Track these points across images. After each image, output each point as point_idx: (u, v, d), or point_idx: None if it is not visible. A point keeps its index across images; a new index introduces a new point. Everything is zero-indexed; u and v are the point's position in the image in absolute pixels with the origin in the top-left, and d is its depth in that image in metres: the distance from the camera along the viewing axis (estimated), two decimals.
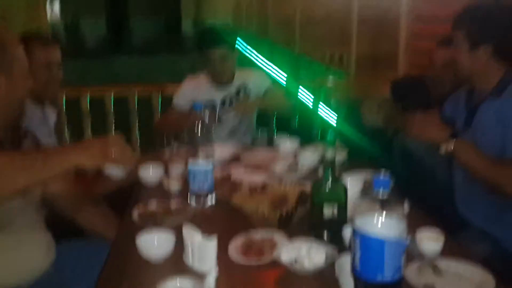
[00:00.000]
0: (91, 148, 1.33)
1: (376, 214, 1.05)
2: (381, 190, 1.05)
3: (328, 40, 6.19)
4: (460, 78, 1.94)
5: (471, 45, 1.77)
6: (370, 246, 1.00)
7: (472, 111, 1.87)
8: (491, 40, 1.74)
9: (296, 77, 6.72)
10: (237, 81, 2.80)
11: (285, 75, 5.93)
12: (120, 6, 22.47)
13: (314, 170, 2.09)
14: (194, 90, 2.81)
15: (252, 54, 2.81)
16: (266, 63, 8.41)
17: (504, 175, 1.65)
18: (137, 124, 3.65)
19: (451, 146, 1.73)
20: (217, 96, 2.79)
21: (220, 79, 2.76)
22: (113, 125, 3.62)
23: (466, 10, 1.81)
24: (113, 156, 1.33)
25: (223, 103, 2.79)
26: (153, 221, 1.61)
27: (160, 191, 1.93)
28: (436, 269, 1.30)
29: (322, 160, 2.13)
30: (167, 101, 3.48)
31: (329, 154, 1.46)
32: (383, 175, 1.06)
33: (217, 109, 2.77)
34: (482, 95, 1.83)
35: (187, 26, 22.04)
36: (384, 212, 1.05)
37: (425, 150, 2.05)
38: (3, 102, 1.47)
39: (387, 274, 1.01)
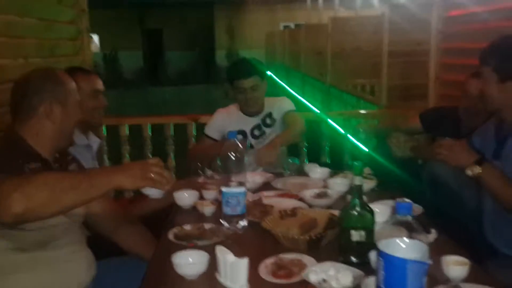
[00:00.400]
0: (131, 170, 1.44)
1: (400, 237, 1.11)
2: (403, 214, 1.11)
3: (359, 72, 6.29)
4: (490, 111, 1.98)
5: (499, 79, 1.83)
6: (393, 266, 1.06)
7: (501, 142, 1.90)
8: None
9: (327, 107, 6.82)
10: (264, 111, 2.91)
11: (316, 105, 6.02)
12: (156, 39, 23.16)
13: (343, 197, 2.14)
14: (224, 121, 2.92)
15: (284, 85, 2.88)
16: (298, 93, 8.53)
17: None
18: (172, 151, 3.79)
19: (478, 170, 1.77)
20: (247, 125, 2.89)
21: (250, 109, 2.86)
22: (150, 152, 3.76)
23: (493, 46, 1.87)
24: (152, 178, 1.44)
25: (252, 132, 2.89)
26: (188, 241, 1.69)
27: (194, 214, 2.02)
28: None
29: (350, 188, 2.20)
30: (202, 130, 3.61)
31: (357, 180, 1.52)
32: (405, 200, 1.12)
33: (248, 138, 2.86)
34: (510, 127, 1.86)
35: (220, 57, 22.53)
36: (407, 235, 1.10)
37: (454, 178, 2.09)
38: (58, 129, 1.64)
39: None
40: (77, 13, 3.65)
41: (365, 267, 1.44)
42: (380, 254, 1.08)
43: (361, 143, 2.81)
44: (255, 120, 2.90)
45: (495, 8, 3.06)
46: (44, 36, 3.22)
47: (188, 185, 2.23)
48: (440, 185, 2.17)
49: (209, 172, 2.54)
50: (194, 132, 3.72)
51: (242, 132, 2.88)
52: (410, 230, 1.09)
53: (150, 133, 3.73)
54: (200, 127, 3.71)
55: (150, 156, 3.71)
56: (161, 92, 17.26)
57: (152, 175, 1.44)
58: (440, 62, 3.63)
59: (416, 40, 3.92)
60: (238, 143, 1.99)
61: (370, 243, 1.52)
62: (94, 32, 18.60)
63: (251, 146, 2.87)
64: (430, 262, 1.12)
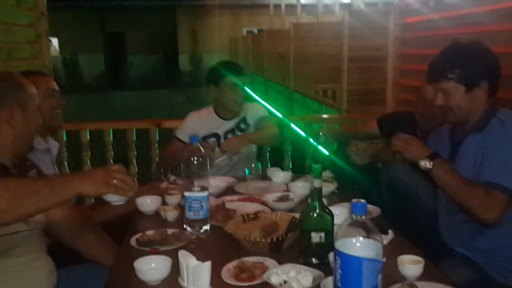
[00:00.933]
0: (94, 176, 1.44)
1: (356, 237, 1.15)
2: (358, 214, 1.15)
3: (320, 77, 6.39)
4: (455, 121, 2.01)
5: (466, 89, 1.85)
6: (349, 264, 1.10)
7: (456, 145, 1.96)
8: (484, 78, 1.83)
9: (290, 112, 6.90)
10: (239, 116, 2.95)
11: (279, 110, 6.08)
12: (117, 43, 22.85)
13: (304, 201, 2.18)
14: (196, 124, 2.94)
15: (248, 90, 2.93)
16: (261, 98, 8.60)
17: (473, 194, 1.75)
18: (135, 157, 3.76)
19: (430, 163, 1.83)
20: (221, 128, 2.92)
21: (231, 111, 2.90)
22: (112, 158, 3.72)
23: (447, 58, 1.88)
24: (114, 185, 1.44)
25: (226, 135, 2.92)
26: (150, 246, 1.69)
27: (157, 219, 2.02)
28: None
29: (310, 191, 2.24)
30: (165, 135, 3.61)
31: (317, 183, 1.56)
32: (360, 201, 1.16)
33: (220, 142, 2.88)
34: (466, 130, 1.92)
35: (183, 62, 22.41)
36: (364, 235, 1.14)
37: (410, 180, 2.16)
38: (19, 135, 1.62)
39: None
40: (36, 16, 3.58)
41: (325, 268, 1.48)
42: (337, 253, 1.12)
43: (321, 147, 2.87)
44: (230, 124, 2.94)
45: (450, 15, 3.17)
46: (2, 39, 3.15)
47: (151, 191, 2.23)
48: (397, 187, 2.23)
49: (172, 177, 2.55)
50: (157, 137, 3.70)
51: (216, 135, 2.91)
52: (366, 230, 1.13)
53: (111, 139, 3.69)
54: (163, 132, 3.71)
55: (112, 162, 3.67)
56: (123, 97, 17.03)
57: (115, 182, 1.44)
58: (397, 67, 3.73)
59: (375, 46, 4.02)
60: (200, 147, 2.01)
61: (329, 245, 1.56)
62: (53, 35, 18.24)
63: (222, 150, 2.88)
64: (384, 260, 1.16)
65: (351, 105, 4.73)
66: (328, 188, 2.29)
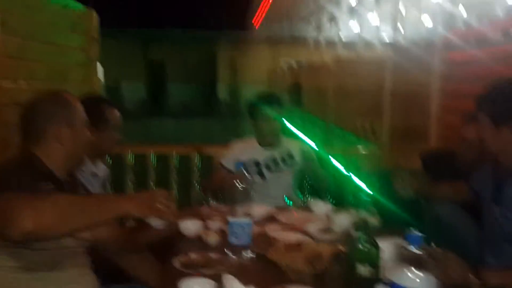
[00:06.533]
0: (139, 199, 1.48)
1: (407, 269, 1.13)
2: (413, 245, 1.13)
3: (360, 111, 6.36)
4: (486, 154, 1.99)
5: (494, 124, 1.84)
6: None
7: (499, 186, 1.92)
8: None
9: (329, 145, 6.87)
10: (284, 148, 3.00)
11: (317, 143, 6.06)
12: (159, 71, 23.40)
13: (347, 233, 2.15)
14: (239, 151, 2.99)
15: (285, 122, 2.96)
16: (299, 130, 8.62)
17: None
18: (176, 182, 3.80)
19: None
20: (261, 156, 2.96)
21: (270, 139, 2.96)
22: (153, 182, 3.78)
23: (487, 91, 1.89)
24: (158, 209, 1.47)
25: (267, 163, 2.95)
26: (194, 269, 1.70)
27: (198, 243, 2.02)
28: None
29: (355, 224, 2.22)
30: (205, 161, 3.66)
31: (364, 215, 1.55)
32: (415, 232, 1.14)
33: (262, 168, 2.92)
34: (509, 171, 1.88)
35: (222, 91, 22.73)
36: (417, 267, 1.12)
37: (457, 220, 2.11)
38: (69, 151, 1.68)
39: None
40: (88, 40, 3.72)
41: None
42: (391, 285, 1.10)
43: (363, 181, 2.85)
44: (271, 153, 2.98)
45: (496, 52, 3.12)
46: (56, 60, 3.27)
47: (192, 215, 2.25)
48: (441, 225, 2.19)
49: (213, 203, 2.57)
50: (198, 163, 3.74)
51: (256, 162, 2.94)
52: (420, 262, 1.11)
53: (154, 162, 3.75)
54: (204, 160, 3.76)
55: (153, 185, 3.72)
56: (162, 124, 17.32)
57: (159, 206, 1.48)
58: (441, 104, 3.69)
59: (418, 82, 3.99)
60: (246, 173, 2.03)
61: (375, 278, 1.53)
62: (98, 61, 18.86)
63: (263, 177, 2.91)
64: None
65: (392, 141, 4.68)
66: (371, 222, 2.26)
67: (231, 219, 1.87)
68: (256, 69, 21.55)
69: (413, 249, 1.12)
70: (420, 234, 1.13)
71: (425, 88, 3.91)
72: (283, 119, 2.97)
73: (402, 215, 2.45)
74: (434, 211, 2.29)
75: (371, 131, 5.34)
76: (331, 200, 3.57)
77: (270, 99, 3.00)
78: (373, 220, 2.29)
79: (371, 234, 1.59)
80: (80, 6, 3.67)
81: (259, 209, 2.39)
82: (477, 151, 2.49)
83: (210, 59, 23.17)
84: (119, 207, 1.44)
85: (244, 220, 1.86)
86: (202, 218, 2.22)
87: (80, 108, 1.77)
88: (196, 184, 3.73)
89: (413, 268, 1.12)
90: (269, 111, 2.90)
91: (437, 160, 2.79)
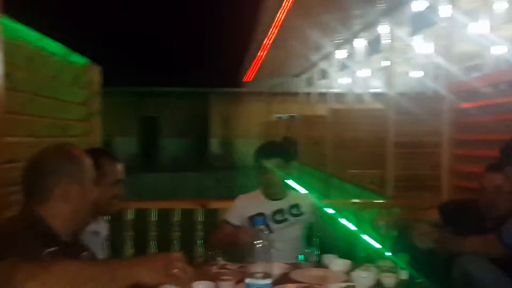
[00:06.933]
0: (154, 264, 1.35)
1: None
2: None
3: (360, 162, 6.29)
4: None
5: None
6: None
7: None
8: None
9: (329, 197, 6.73)
10: (291, 200, 2.92)
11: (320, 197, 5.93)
12: (151, 126, 23.47)
13: None
14: (245, 205, 2.91)
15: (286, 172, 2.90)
16: (296, 182, 8.48)
17: None
18: (178, 238, 3.63)
19: None
20: (268, 209, 2.86)
21: (272, 190, 2.89)
22: (154, 239, 3.61)
23: None
24: (174, 274, 1.33)
25: (274, 215, 2.84)
26: None
27: None
28: None
29: (378, 283, 2.07)
30: (209, 216, 3.52)
31: (402, 275, 1.42)
32: None
33: (268, 221, 2.81)
34: None
35: (215, 145, 22.75)
36: None
37: (491, 276, 1.97)
38: (76, 209, 1.55)
39: None
40: (90, 94, 3.66)
41: None
42: None
43: (380, 236, 2.72)
44: (278, 205, 2.89)
45: (508, 100, 3.09)
46: (57, 115, 3.19)
47: (202, 275, 2.09)
48: (473, 283, 2.04)
49: (221, 261, 2.41)
50: (201, 219, 3.59)
51: (262, 215, 2.83)
52: None
53: (156, 219, 3.59)
54: (208, 214, 3.61)
55: (153, 243, 3.56)
56: (155, 178, 17.16)
57: (175, 271, 1.34)
58: (453, 153, 3.62)
59: (423, 131, 3.94)
60: (264, 230, 1.89)
61: None
62: None
63: (271, 231, 2.78)
64: None
65: (397, 191, 4.58)
66: (392, 279, 2.11)
67: (249, 280, 1.71)
68: (248, 122, 21.70)
69: None
70: None
71: (431, 137, 3.85)
72: (287, 171, 2.89)
73: (427, 270, 2.30)
74: (463, 266, 2.14)
75: (373, 181, 5.24)
76: (340, 255, 3.41)
77: (271, 149, 2.96)
78: (393, 278, 2.15)
79: None
80: (84, 60, 3.62)
81: (273, 268, 2.23)
82: (499, 202, 2.39)
83: (203, 114, 23.32)
84: (131, 274, 1.30)
85: (264, 281, 1.70)
86: (212, 278, 2.06)
87: (88, 162, 1.65)
88: (199, 241, 3.56)
89: None
90: (271, 162, 2.83)
91: (458, 212, 2.67)
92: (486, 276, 2.01)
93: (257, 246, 1.78)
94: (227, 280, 2.04)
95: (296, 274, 2.27)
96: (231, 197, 3.11)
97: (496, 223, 2.32)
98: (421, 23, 8.48)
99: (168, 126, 23.31)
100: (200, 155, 22.01)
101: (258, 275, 1.71)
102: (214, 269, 2.30)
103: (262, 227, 1.84)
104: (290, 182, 3.03)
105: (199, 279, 2.00)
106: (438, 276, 2.21)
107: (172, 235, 3.61)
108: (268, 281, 1.71)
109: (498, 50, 7.77)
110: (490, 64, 7.87)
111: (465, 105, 3.49)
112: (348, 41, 12.34)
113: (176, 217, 3.61)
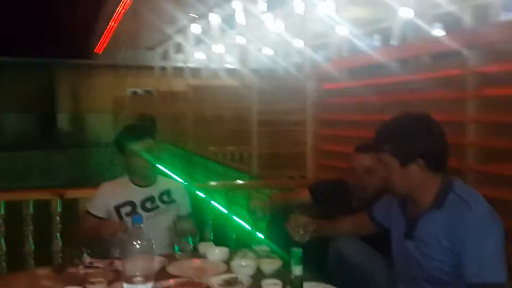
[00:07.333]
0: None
1: None
2: None
3: (225, 139, 6.27)
4: (399, 196, 1.94)
5: (402, 163, 1.80)
6: None
7: (412, 221, 1.87)
8: (420, 155, 1.78)
9: (192, 176, 6.61)
10: (161, 186, 2.73)
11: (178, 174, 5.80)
12: None
13: (256, 283, 1.94)
14: (110, 194, 2.67)
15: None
16: (155, 161, 8.20)
17: None
18: (31, 233, 3.22)
19: None
20: (137, 196, 2.66)
21: (143, 175, 2.69)
22: (2, 236, 3.18)
23: (385, 130, 1.85)
24: None
25: (143, 203, 2.66)
26: None
27: None
28: None
29: (258, 268, 2.03)
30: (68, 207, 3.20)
31: (297, 271, 1.37)
32: None
33: (138, 210, 2.62)
34: (421, 207, 1.84)
35: (63, 121, 21.23)
36: None
37: (364, 257, 2.04)
38: None
39: None
40: None
41: None
42: None
43: (255, 219, 2.69)
44: (148, 192, 2.69)
45: (367, 83, 3.24)
46: None
47: (68, 280, 1.85)
48: (347, 262, 2.10)
49: (87, 259, 2.18)
50: (59, 209, 3.22)
51: (131, 203, 2.63)
52: None
53: (3, 212, 3.15)
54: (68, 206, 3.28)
55: (1, 241, 3.13)
56: None
57: None
58: (316, 132, 3.73)
59: (288, 110, 4.00)
60: (141, 227, 1.72)
61: None
62: None
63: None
64: None
65: (262, 169, 4.63)
66: (272, 266, 2.09)
67: (127, 286, 1.54)
68: (100, 97, 20.61)
69: None
70: None
71: (296, 116, 3.93)
72: (155, 154, 2.70)
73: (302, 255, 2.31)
74: (336, 248, 2.18)
75: (239, 159, 5.25)
76: (215, 241, 3.35)
77: (136, 131, 2.76)
78: (276, 263, 2.13)
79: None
80: None
81: (147, 262, 2.07)
82: (366, 182, 2.47)
83: (48, 87, 21.55)
84: None
85: (143, 286, 1.54)
86: (80, 282, 1.84)
87: None
88: (58, 236, 3.20)
89: None
90: (139, 145, 2.61)
91: (328, 192, 2.73)
92: (358, 255, 2.08)
93: (134, 244, 1.61)
94: (98, 283, 1.84)
95: (173, 268, 2.13)
96: (85, 178, 2.84)
97: (364, 203, 2.40)
98: (275, 1, 8.69)
99: (9, 100, 21.13)
100: (47, 132, 20.35)
101: (137, 279, 1.55)
102: (81, 269, 2.07)
103: (138, 224, 1.65)
104: (158, 165, 2.84)
105: (65, 285, 1.77)
106: (314, 260, 2.24)
107: (25, 231, 3.20)
108: (149, 285, 1.56)
109: (342, 31, 8.25)
110: (335, 44, 8.36)
111: (327, 86, 3.60)
112: (203, 16, 12.21)
113: (29, 209, 3.19)
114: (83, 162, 15.81)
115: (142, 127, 2.91)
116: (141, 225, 1.65)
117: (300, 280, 1.38)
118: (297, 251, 1.39)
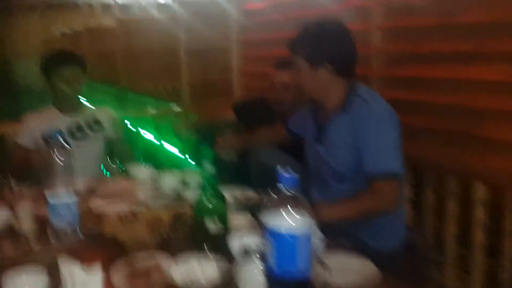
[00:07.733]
0: None
1: (285, 212, 1.08)
2: (288, 186, 1.09)
3: (154, 74, 6.18)
4: (306, 98, 2.05)
5: (310, 66, 1.88)
6: (284, 243, 1.02)
7: (321, 128, 1.98)
8: (328, 60, 1.86)
9: (123, 111, 6.51)
10: (89, 114, 2.75)
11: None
12: None
13: (177, 194, 2.05)
14: (37, 124, 2.64)
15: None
16: (86, 99, 7.99)
17: (364, 208, 1.79)
18: None
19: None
20: (64, 123, 2.66)
21: (70, 105, 2.68)
22: None
23: (300, 35, 1.91)
24: None
25: (71, 131, 2.66)
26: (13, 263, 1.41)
27: (11, 234, 1.70)
28: (325, 266, 1.33)
29: (184, 184, 2.12)
30: None
31: (208, 168, 1.47)
32: (290, 172, 1.10)
33: (66, 138, 2.60)
34: (329, 112, 1.95)
35: None
36: (292, 209, 1.08)
37: (277, 159, 2.17)
38: None
39: (302, 270, 1.04)
40: None
41: (225, 256, 1.38)
42: (269, 232, 1.04)
43: (182, 142, 2.77)
44: (75, 119, 2.69)
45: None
46: None
47: None
48: (267, 169, 2.22)
49: (16, 186, 2.19)
50: None
51: (59, 132, 2.60)
52: (295, 204, 1.08)
53: None
54: None
55: None
56: None
57: None
58: (242, 54, 3.74)
59: (214, 36, 3.98)
60: (61, 145, 1.76)
61: (226, 230, 1.48)
62: None
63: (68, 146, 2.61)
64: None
65: (194, 99, 4.64)
66: (196, 178, 2.19)
67: (52, 199, 1.59)
68: (28, 41, 19.47)
69: (285, 191, 1.07)
70: (294, 174, 1.08)
71: (222, 42, 3.92)
72: (82, 81, 2.68)
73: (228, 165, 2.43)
74: (257, 157, 2.32)
75: (171, 92, 5.22)
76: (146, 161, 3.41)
77: (68, 57, 2.69)
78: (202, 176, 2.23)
79: (215, 187, 1.52)
80: None
81: (76, 183, 2.12)
82: (290, 95, 2.58)
83: None
84: None
85: (68, 198, 1.60)
86: (8, 204, 1.88)
87: None
88: None
89: (287, 211, 1.07)
90: (67, 71, 2.60)
91: (250, 109, 2.83)
92: (276, 161, 2.19)
93: (56, 164, 1.65)
94: (25, 204, 1.87)
95: (102, 188, 2.20)
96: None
97: (283, 117, 2.52)
98: None
99: None
100: None
101: (61, 193, 1.60)
102: (9, 195, 2.09)
103: (59, 142, 1.69)
104: (84, 97, 2.83)
105: None
106: (239, 173, 2.37)
107: None
108: (73, 198, 1.62)
109: None
110: None
111: (250, 6, 3.57)
112: None
113: None
114: (13, 109, 15.16)
115: (70, 52, 2.79)
116: (59, 141, 1.68)
117: (211, 176, 1.48)
118: (207, 151, 1.48)
